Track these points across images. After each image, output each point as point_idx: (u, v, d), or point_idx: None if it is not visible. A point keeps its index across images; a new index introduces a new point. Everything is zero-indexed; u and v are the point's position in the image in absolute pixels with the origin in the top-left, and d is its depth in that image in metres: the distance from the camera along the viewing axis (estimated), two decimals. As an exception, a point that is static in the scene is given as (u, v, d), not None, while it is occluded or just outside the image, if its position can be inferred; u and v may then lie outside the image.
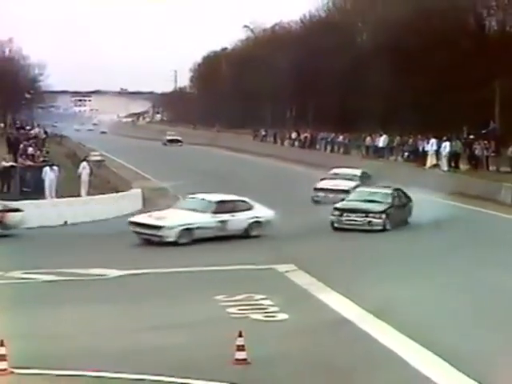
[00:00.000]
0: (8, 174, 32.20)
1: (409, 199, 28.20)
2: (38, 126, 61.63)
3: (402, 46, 58.53)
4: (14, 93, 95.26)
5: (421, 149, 46.76)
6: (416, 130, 49.86)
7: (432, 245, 23.54)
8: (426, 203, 27.75)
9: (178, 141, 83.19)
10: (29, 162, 34.47)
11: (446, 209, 28.40)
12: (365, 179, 34.49)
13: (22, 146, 39.22)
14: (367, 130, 56.17)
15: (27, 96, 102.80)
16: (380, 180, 32.53)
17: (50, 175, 31.19)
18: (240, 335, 11.69)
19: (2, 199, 27.48)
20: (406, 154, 49.21)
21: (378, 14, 67.26)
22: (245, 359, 11.67)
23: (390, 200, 27.31)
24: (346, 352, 12.74)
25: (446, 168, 43.28)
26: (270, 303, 15.62)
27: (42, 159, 36.45)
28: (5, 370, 11.16)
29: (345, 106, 67.16)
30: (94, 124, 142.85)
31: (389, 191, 28.00)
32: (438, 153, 44.48)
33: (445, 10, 56.44)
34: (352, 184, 33.16)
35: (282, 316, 14.75)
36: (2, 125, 79.77)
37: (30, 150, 38.69)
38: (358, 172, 35.96)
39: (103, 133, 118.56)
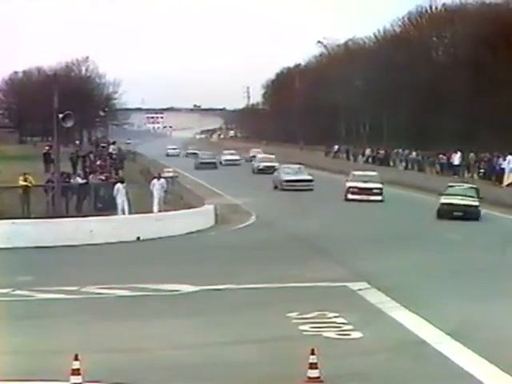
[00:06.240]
0: (83, 191, 32.69)
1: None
2: (114, 143, 62.32)
3: (479, 61, 57.64)
4: (89, 111, 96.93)
5: (498, 166, 45.94)
6: (493, 148, 49.00)
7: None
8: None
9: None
10: (100, 177, 34.90)
11: None
12: None
13: (97, 163, 39.79)
14: (442, 147, 55.46)
15: (101, 114, 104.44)
16: None
17: (121, 191, 31.59)
18: (312, 353, 11.51)
19: (77, 215, 27.80)
20: (482, 171, 48.38)
21: (455, 28, 66.59)
22: (318, 377, 11.47)
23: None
24: (421, 372, 12.46)
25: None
26: (344, 321, 15.40)
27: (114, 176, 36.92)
28: (79, 384, 11.20)
29: (420, 122, 66.50)
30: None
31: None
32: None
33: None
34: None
35: (355, 334, 14.53)
36: (78, 142, 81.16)
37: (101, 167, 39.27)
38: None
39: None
